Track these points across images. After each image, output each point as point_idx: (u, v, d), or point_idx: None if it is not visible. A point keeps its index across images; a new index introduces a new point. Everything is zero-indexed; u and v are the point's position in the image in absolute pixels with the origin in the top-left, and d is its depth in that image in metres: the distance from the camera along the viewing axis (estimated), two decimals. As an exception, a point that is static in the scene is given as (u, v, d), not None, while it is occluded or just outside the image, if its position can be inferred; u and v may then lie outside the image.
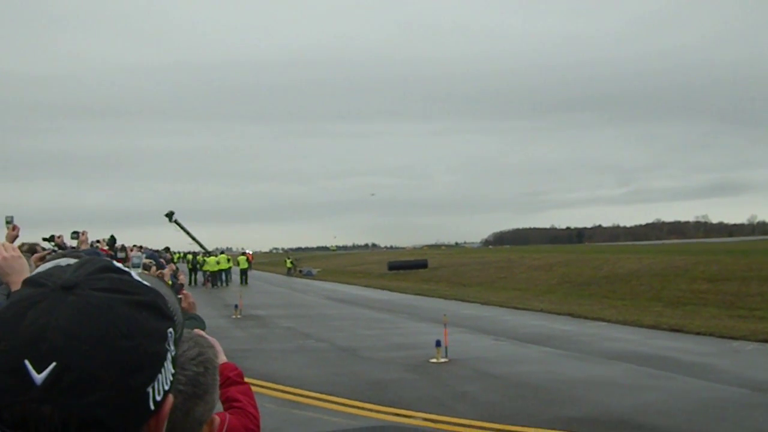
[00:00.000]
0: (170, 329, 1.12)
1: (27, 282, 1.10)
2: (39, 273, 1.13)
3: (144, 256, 4.98)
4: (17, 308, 1.04)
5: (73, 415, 0.98)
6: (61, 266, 1.14)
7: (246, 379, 3.00)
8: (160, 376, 1.07)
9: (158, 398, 1.07)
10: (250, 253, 72.13)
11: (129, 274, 1.14)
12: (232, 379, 2.80)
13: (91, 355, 0.99)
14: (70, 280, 1.07)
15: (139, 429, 1.06)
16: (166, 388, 1.09)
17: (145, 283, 1.14)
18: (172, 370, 1.12)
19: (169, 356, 1.10)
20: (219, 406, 2.20)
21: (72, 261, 1.92)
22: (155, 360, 1.07)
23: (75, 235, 15.94)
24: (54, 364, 0.98)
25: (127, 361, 1.02)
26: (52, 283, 1.06)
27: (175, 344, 1.14)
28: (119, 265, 1.16)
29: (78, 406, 0.98)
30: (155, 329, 1.09)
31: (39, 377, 0.97)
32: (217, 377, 1.99)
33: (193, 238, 69.22)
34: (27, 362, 0.98)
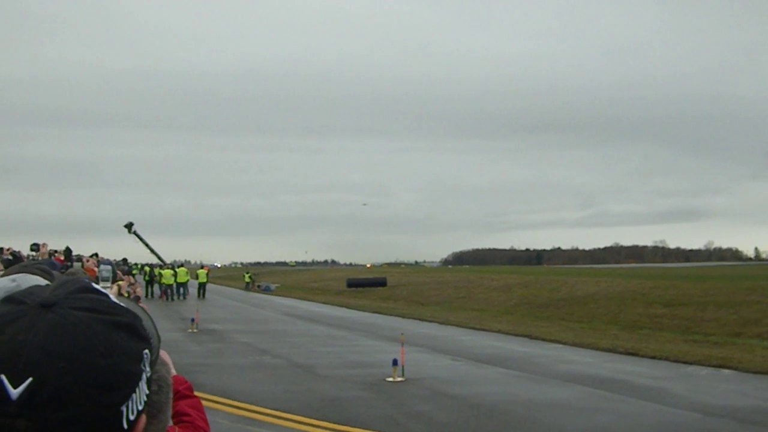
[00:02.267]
0: (146, 350, 1.15)
1: (6, 300, 1.13)
2: (19, 291, 1.15)
3: (111, 269, 4.96)
4: None
5: (48, 430, 1.00)
6: (41, 285, 1.18)
7: (200, 395, 2.96)
8: (134, 395, 1.10)
9: (131, 418, 1.09)
10: (220, 265, 71.52)
11: (107, 296, 1.17)
12: (181, 392, 2.74)
13: (68, 371, 1.02)
14: (49, 298, 1.10)
15: None
16: (140, 408, 1.12)
17: (123, 305, 1.18)
18: (146, 391, 1.14)
19: (144, 377, 1.13)
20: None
21: (29, 276, 1.90)
22: (130, 379, 1.10)
23: (35, 247, 15.80)
24: (30, 379, 1.01)
25: (103, 379, 1.05)
26: (32, 301, 1.10)
27: (151, 366, 1.17)
28: (98, 287, 1.19)
29: (53, 422, 1.00)
30: (131, 349, 1.12)
31: (15, 392, 1.00)
32: (171, 395, 1.96)
33: (152, 250, 68.78)
34: (3, 377, 1.01)
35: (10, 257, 14.08)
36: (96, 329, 1.08)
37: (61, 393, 1.01)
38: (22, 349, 1.03)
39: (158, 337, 1.33)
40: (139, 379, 1.12)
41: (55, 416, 1.00)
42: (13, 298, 1.12)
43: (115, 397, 1.06)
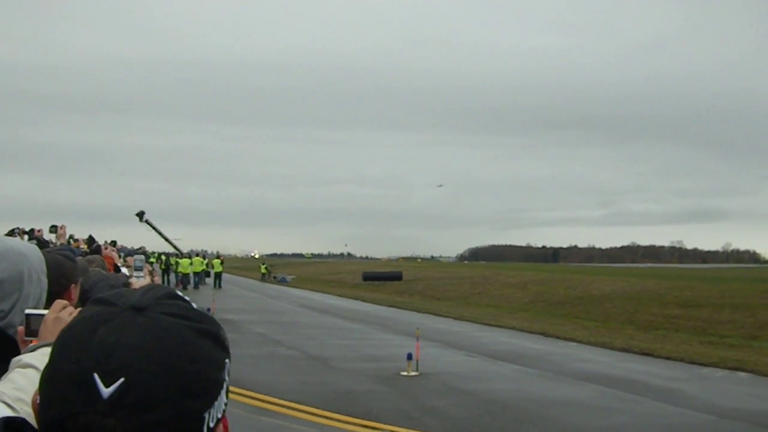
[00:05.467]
0: (227, 360, 1.21)
1: (97, 300, 1.18)
2: (109, 293, 1.20)
3: (144, 259, 5.00)
4: (89, 323, 1.12)
5: (135, 431, 1.05)
6: (128, 289, 1.25)
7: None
8: (216, 402, 1.14)
9: (211, 425, 1.14)
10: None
11: (191, 303, 1.24)
12: None
13: (159, 375, 1.06)
14: (140, 301, 1.15)
15: None
16: (219, 416, 1.16)
17: (205, 313, 1.24)
18: (225, 400, 1.19)
19: (225, 385, 1.18)
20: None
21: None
22: (214, 387, 1.14)
23: (53, 229, 15.82)
24: (122, 380, 1.05)
25: (190, 385, 1.10)
26: (122, 303, 1.14)
27: (228, 375, 1.21)
28: (181, 293, 1.25)
29: (140, 423, 1.05)
30: (216, 358, 1.17)
31: (106, 391, 1.05)
32: None
33: (166, 239, 68.62)
34: (96, 376, 1.05)
35: (36, 242, 14.10)
36: (185, 335, 1.12)
37: (150, 395, 1.05)
38: (114, 350, 1.07)
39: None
40: (221, 387, 1.16)
41: (142, 418, 1.04)
42: (103, 300, 1.17)
43: (200, 404, 1.10)
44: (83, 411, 1.05)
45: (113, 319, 1.11)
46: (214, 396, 1.13)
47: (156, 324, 1.11)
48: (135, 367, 1.05)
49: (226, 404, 1.19)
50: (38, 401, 1.13)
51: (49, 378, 1.11)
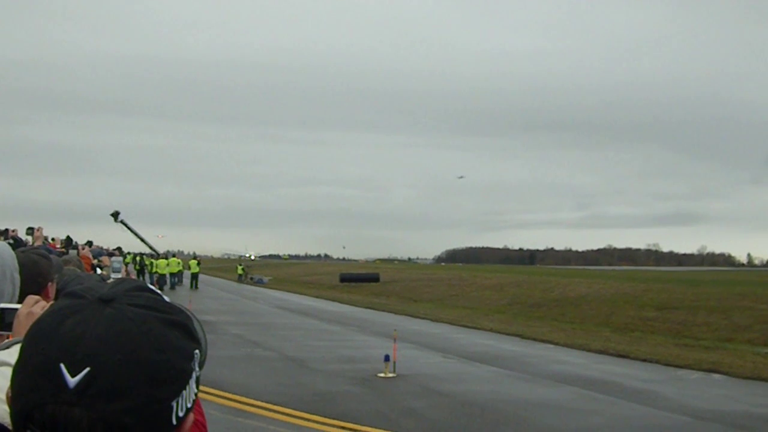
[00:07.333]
0: (197, 350, 1.22)
1: (67, 294, 1.19)
2: (79, 287, 1.21)
3: (122, 260, 5.01)
4: (56, 315, 1.14)
5: (102, 420, 1.05)
6: (99, 282, 1.23)
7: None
8: (184, 392, 1.15)
9: (180, 414, 1.15)
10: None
11: (161, 295, 1.24)
12: None
13: (124, 364, 1.07)
14: (107, 294, 1.16)
15: None
16: (189, 405, 1.17)
17: (176, 305, 1.25)
18: (195, 390, 1.20)
19: (194, 375, 1.19)
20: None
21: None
22: (182, 376, 1.15)
23: (30, 231, 15.67)
24: (88, 369, 1.06)
25: (157, 373, 1.10)
26: (91, 296, 1.15)
27: (200, 366, 1.24)
28: (152, 287, 1.26)
29: (107, 412, 1.05)
30: (184, 348, 1.17)
31: (72, 381, 1.05)
32: None
33: (142, 240, 67.92)
34: (62, 366, 1.06)
35: (12, 241, 13.96)
36: (152, 326, 1.13)
37: (117, 384, 1.06)
38: (81, 340, 1.08)
39: (206, 340, 1.36)
40: (189, 377, 1.17)
41: (109, 407, 1.05)
42: (73, 293, 1.18)
43: (167, 392, 1.11)
44: (50, 401, 1.06)
45: (81, 310, 1.12)
46: (182, 385, 1.14)
47: (122, 315, 1.12)
48: (100, 356, 1.07)
49: (196, 394, 1.20)
50: (10, 395, 1.14)
51: (18, 371, 1.13)
